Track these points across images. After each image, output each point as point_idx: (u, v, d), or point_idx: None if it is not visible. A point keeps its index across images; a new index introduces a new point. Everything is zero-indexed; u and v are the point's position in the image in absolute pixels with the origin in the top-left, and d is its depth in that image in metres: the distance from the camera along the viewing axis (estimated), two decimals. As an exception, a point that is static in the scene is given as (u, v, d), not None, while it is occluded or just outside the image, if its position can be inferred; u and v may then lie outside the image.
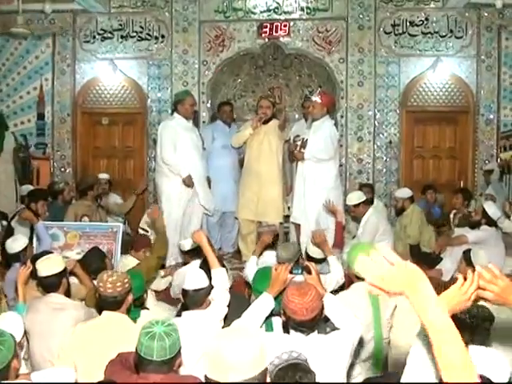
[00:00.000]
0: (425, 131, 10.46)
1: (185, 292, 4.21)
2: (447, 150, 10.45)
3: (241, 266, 6.95)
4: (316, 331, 3.49)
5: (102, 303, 4.01)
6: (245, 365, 2.18)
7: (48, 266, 4.56)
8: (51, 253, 5.15)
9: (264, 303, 3.91)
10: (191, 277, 4.23)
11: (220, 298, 4.24)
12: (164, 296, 6.24)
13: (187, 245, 6.11)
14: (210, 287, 4.26)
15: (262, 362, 2.28)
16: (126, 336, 3.55)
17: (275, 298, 3.96)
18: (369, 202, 7.69)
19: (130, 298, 4.03)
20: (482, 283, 2.42)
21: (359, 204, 7.46)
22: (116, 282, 3.91)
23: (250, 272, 5.40)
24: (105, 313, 3.96)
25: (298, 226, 7.89)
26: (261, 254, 5.79)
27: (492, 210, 7.34)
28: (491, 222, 7.30)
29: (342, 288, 5.45)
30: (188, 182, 7.67)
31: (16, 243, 5.95)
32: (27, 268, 4.78)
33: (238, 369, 2.17)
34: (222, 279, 4.39)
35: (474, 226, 7.45)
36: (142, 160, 10.74)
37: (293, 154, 7.90)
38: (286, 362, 2.87)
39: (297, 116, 10.39)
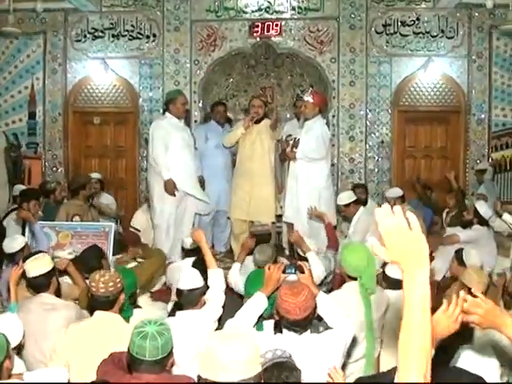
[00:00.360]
0: (416, 131, 10.49)
1: (179, 292, 4.19)
2: (439, 150, 10.48)
3: (233, 266, 6.94)
4: (309, 330, 3.50)
5: (94, 303, 3.99)
6: (238, 366, 2.19)
7: (36, 266, 4.54)
8: (40, 252, 5.13)
9: (257, 302, 3.92)
10: (186, 276, 4.22)
11: (215, 299, 4.24)
12: (158, 296, 6.23)
13: (188, 243, 6.11)
14: (205, 287, 4.26)
15: (257, 364, 2.29)
16: (119, 336, 3.54)
17: (267, 299, 3.96)
18: (360, 202, 7.70)
19: (123, 297, 4.01)
20: (465, 306, 2.48)
21: (349, 204, 7.47)
22: (108, 282, 3.89)
23: (233, 278, 5.36)
24: (97, 313, 3.94)
25: (290, 226, 7.89)
26: (251, 253, 5.76)
27: (483, 209, 7.36)
28: (483, 222, 7.32)
29: (332, 288, 5.46)
30: (168, 187, 7.58)
31: (15, 242, 5.93)
32: (19, 268, 4.75)
33: (231, 369, 2.18)
34: (218, 280, 4.39)
35: (466, 225, 7.47)
36: (134, 159, 10.74)
37: (285, 153, 7.91)
38: (271, 361, 2.87)
39: (288, 115, 10.41)
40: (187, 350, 3.66)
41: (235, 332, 2.45)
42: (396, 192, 8.57)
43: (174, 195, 7.60)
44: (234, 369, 2.18)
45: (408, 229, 1.80)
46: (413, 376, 1.76)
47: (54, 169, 10.75)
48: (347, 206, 7.48)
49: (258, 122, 7.96)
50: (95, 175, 9.23)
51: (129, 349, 3.07)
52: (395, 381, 1.79)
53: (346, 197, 7.58)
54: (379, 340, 4.74)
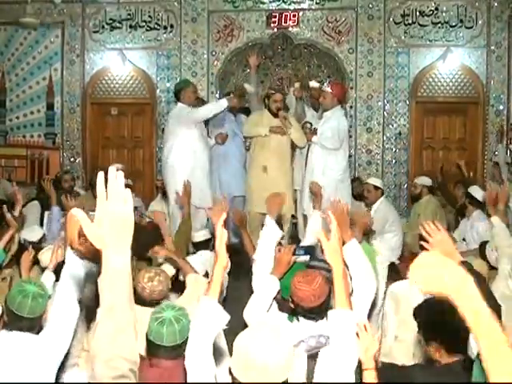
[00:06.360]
0: (434, 122, 10.42)
1: (180, 283, 4.21)
2: (457, 141, 10.41)
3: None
4: (325, 318, 3.48)
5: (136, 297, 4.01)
6: (272, 369, 2.19)
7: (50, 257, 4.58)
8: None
9: (269, 285, 3.91)
10: None
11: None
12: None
13: (198, 236, 6.14)
14: (206, 275, 4.26)
15: (288, 369, 2.28)
16: None
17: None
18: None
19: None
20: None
21: (379, 189, 7.48)
22: (154, 290, 3.89)
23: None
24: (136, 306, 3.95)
25: (306, 218, 7.88)
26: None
27: (477, 192, 7.35)
28: (478, 205, 7.32)
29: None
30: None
31: (35, 232, 5.99)
32: (29, 253, 4.78)
33: (265, 372, 2.17)
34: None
35: (462, 211, 7.51)
36: (151, 150, 10.77)
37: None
38: (315, 349, 2.85)
39: (306, 108, 10.36)
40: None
41: (270, 331, 2.40)
42: (425, 180, 8.48)
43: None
44: (266, 371, 2.18)
45: (430, 258, 1.78)
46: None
47: (72, 159, 10.82)
48: (377, 189, 7.48)
49: (275, 115, 7.91)
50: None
51: (147, 334, 3.08)
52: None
53: (379, 181, 7.66)
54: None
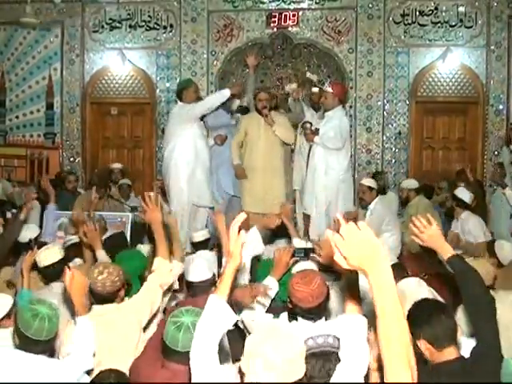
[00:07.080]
0: (434, 122, 10.42)
1: (190, 283, 4.20)
2: (457, 141, 10.40)
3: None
4: (324, 318, 3.48)
5: (93, 297, 3.89)
6: (283, 368, 2.19)
7: (47, 256, 4.56)
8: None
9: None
10: (195, 268, 4.22)
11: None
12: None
13: (197, 236, 6.15)
14: (214, 277, 4.26)
15: (301, 370, 2.27)
16: (115, 329, 3.66)
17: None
18: (380, 190, 7.73)
19: (122, 293, 3.90)
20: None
21: (373, 189, 7.46)
22: (106, 281, 3.76)
23: None
24: (94, 307, 3.83)
25: (307, 217, 7.88)
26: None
27: (464, 194, 7.35)
28: (464, 206, 7.33)
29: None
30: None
31: (28, 231, 5.95)
32: (33, 254, 4.76)
33: (276, 371, 2.17)
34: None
35: (451, 213, 7.53)
36: (151, 150, 10.78)
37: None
38: (316, 349, 2.84)
39: (306, 108, 10.35)
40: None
41: (281, 332, 2.39)
42: (410, 183, 8.53)
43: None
44: (277, 370, 2.18)
45: (356, 231, 1.86)
46: (400, 368, 1.78)
47: (72, 159, 10.82)
48: (371, 189, 7.46)
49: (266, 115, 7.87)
50: (116, 165, 9.33)
51: (163, 336, 3.08)
52: (384, 375, 1.81)
53: (373, 182, 7.62)
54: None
